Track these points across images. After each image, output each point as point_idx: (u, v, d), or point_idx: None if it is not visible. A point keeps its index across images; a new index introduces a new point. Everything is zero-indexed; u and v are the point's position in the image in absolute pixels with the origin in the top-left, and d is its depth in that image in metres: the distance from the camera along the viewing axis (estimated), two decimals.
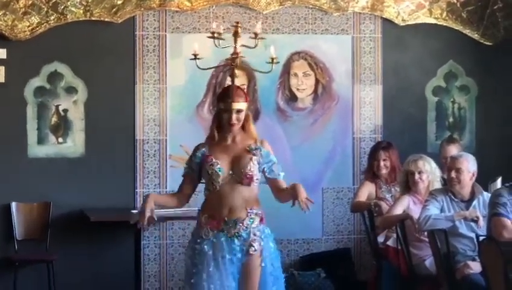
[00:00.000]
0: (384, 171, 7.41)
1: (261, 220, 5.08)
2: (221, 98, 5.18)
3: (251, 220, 5.03)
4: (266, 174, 5.12)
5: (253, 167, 5.03)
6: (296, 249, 8.08)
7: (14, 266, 7.57)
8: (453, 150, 7.63)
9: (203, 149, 5.12)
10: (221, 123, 5.13)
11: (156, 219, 5.06)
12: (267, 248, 5.07)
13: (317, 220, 8.25)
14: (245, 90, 5.29)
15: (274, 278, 5.08)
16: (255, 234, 5.02)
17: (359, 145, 8.33)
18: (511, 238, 5.56)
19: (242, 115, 5.11)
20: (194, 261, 5.06)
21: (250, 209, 5.04)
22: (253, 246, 5.01)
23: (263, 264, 5.03)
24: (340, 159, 8.29)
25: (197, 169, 5.12)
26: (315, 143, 8.21)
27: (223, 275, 4.98)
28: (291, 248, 8.12)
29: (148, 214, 4.96)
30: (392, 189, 7.39)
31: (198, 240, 5.06)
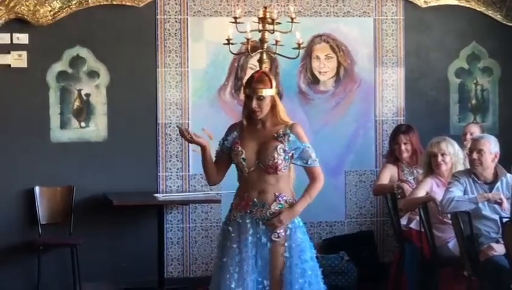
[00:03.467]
0: (405, 154, 7.42)
1: None
2: (246, 84, 5.13)
3: (280, 206, 4.98)
4: (294, 161, 5.03)
5: (277, 157, 4.95)
6: (319, 232, 8.10)
7: (38, 250, 7.58)
8: (475, 130, 7.67)
9: (235, 132, 5.08)
10: (248, 109, 5.08)
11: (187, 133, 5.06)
12: (295, 238, 4.98)
13: (340, 203, 8.29)
14: (271, 77, 5.20)
15: (301, 270, 4.97)
16: None
17: (382, 128, 8.34)
18: None
19: (265, 102, 5.01)
20: (220, 243, 5.09)
21: (279, 195, 5.00)
22: (277, 233, 4.95)
23: (287, 255, 4.94)
24: (362, 142, 8.31)
25: (228, 151, 5.09)
26: (337, 126, 8.23)
27: (243, 258, 4.94)
28: (314, 230, 8.13)
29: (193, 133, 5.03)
30: (414, 171, 7.40)
31: (227, 222, 5.07)
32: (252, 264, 4.97)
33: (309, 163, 5.05)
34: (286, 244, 4.97)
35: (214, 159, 5.13)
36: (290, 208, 4.95)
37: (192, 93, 8.03)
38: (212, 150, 5.14)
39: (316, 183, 5.07)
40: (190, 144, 7.78)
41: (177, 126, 5.22)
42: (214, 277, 5.11)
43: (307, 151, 5.04)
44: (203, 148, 5.07)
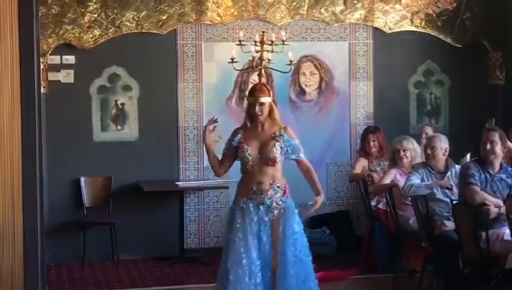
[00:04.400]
0: (374, 149, 7.44)
1: (284, 192, 5.08)
2: (249, 93, 5.16)
3: (275, 191, 5.03)
4: (289, 155, 5.10)
5: (276, 152, 5.02)
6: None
7: (83, 227, 7.56)
8: (429, 130, 7.67)
9: (239, 135, 5.10)
10: (250, 114, 5.11)
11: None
12: (287, 216, 5.03)
13: (322, 188, 8.22)
14: (269, 88, 5.25)
15: (293, 240, 5.02)
16: (277, 203, 5.02)
17: (355, 129, 8.28)
18: (482, 201, 5.52)
19: (265, 107, 5.06)
20: (228, 223, 5.11)
21: (273, 183, 5.04)
22: (273, 213, 5.01)
23: (281, 228, 4.99)
24: (340, 140, 8.26)
25: (234, 150, 5.12)
26: (320, 128, 8.18)
27: (247, 234, 4.97)
28: (301, 210, 8.10)
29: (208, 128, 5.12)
30: (382, 163, 7.42)
31: (234, 207, 5.09)
32: (255, 239, 4.98)
33: (300, 156, 5.16)
34: (281, 220, 5.02)
35: (220, 156, 5.19)
36: (319, 197, 5.25)
37: (206, 102, 8.00)
38: (219, 149, 5.22)
39: (313, 172, 5.24)
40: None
41: (213, 118, 5.18)
42: (224, 249, 5.13)
43: (298, 147, 5.14)
44: (208, 147, 5.16)
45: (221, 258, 5.12)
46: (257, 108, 5.05)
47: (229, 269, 4.94)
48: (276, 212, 5.01)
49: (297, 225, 5.08)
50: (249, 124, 5.13)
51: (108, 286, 6.91)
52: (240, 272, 4.91)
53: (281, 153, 5.07)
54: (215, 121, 5.17)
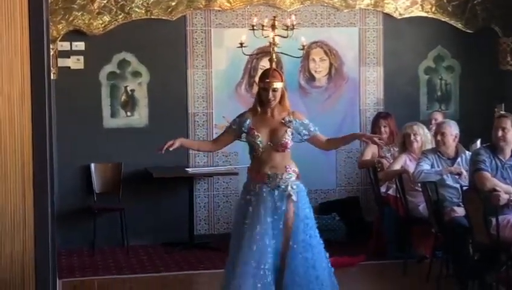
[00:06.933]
0: (384, 135, 7.41)
1: (297, 177, 5.04)
2: (261, 78, 5.08)
3: (290, 175, 4.99)
4: (306, 136, 5.06)
5: (287, 138, 4.98)
6: (316, 197, 8.04)
7: (93, 213, 7.61)
8: (439, 117, 7.66)
9: (249, 120, 5.04)
10: (261, 99, 5.05)
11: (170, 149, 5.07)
12: (300, 199, 5.00)
13: (332, 175, 8.26)
14: (281, 73, 5.21)
15: (304, 224, 4.99)
16: (292, 187, 4.97)
17: (365, 115, 8.28)
18: (492, 187, 5.52)
19: (278, 93, 5.00)
20: (241, 208, 5.06)
21: (288, 167, 5.01)
22: (290, 197, 4.95)
23: (295, 212, 4.96)
24: (349, 126, 8.19)
25: (238, 131, 5.08)
26: (329, 114, 8.15)
27: (261, 219, 4.93)
28: (311, 196, 7.79)
29: (169, 143, 5.06)
30: (391, 149, 7.41)
31: (248, 192, 5.04)
32: (268, 224, 4.94)
33: (312, 130, 5.09)
34: (295, 204, 4.97)
35: (220, 133, 5.27)
36: (354, 134, 5.73)
37: (215, 88, 8.01)
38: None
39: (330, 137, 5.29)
40: (214, 128, 7.88)
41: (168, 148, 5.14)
42: (234, 235, 5.14)
43: (309, 124, 5.09)
44: (184, 145, 5.30)
45: (230, 244, 5.11)
46: (270, 94, 4.99)
47: (240, 256, 4.93)
48: (292, 196, 4.97)
49: (309, 210, 5.07)
50: (259, 109, 5.08)
51: (119, 271, 6.96)
52: (251, 258, 4.89)
53: (292, 139, 5.04)
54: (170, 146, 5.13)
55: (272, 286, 4.91)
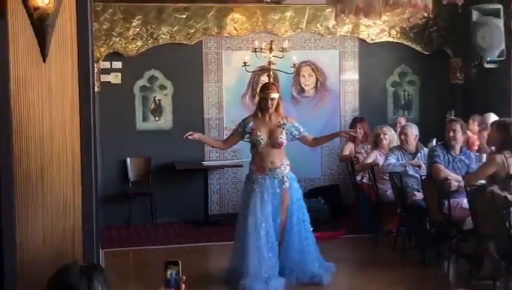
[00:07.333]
0: (359, 135, 7.43)
1: (290, 168, 5.12)
2: (261, 90, 5.16)
3: (284, 168, 5.05)
4: (297, 136, 5.11)
5: (282, 137, 5.04)
6: (305, 185, 7.94)
7: (129, 197, 7.62)
8: (403, 120, 7.64)
9: (251, 123, 5.10)
10: (261, 106, 5.12)
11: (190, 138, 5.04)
12: (293, 186, 5.09)
13: (317, 166, 8.25)
14: (277, 85, 5.26)
15: (297, 206, 5.08)
16: (286, 177, 5.04)
17: (344, 119, 8.24)
18: (445, 177, 5.52)
19: (275, 101, 5.07)
20: (248, 195, 5.08)
21: (284, 161, 5.06)
22: (285, 184, 5.02)
23: (290, 195, 5.04)
24: (331, 128, 7.99)
25: (243, 133, 5.13)
26: (316, 118, 8.08)
27: (264, 204, 4.98)
28: (301, 184, 7.61)
29: (190, 132, 5.05)
30: (365, 147, 7.40)
31: (252, 182, 5.07)
32: (270, 205, 5.00)
33: (302, 131, 5.15)
34: (289, 190, 5.05)
35: (227, 136, 5.33)
36: (339, 132, 5.73)
37: (225, 99, 7.98)
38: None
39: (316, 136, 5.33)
40: (225, 130, 7.88)
41: (188, 136, 5.09)
42: (242, 215, 5.14)
43: (298, 127, 5.16)
44: (202, 140, 5.39)
45: (238, 221, 5.14)
46: (269, 102, 5.06)
47: (249, 230, 4.95)
48: (287, 184, 5.04)
49: (299, 194, 5.15)
50: (259, 114, 5.13)
51: (149, 243, 6.96)
52: (257, 230, 4.93)
53: (286, 138, 5.09)
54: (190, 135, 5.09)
55: (275, 256, 4.97)
